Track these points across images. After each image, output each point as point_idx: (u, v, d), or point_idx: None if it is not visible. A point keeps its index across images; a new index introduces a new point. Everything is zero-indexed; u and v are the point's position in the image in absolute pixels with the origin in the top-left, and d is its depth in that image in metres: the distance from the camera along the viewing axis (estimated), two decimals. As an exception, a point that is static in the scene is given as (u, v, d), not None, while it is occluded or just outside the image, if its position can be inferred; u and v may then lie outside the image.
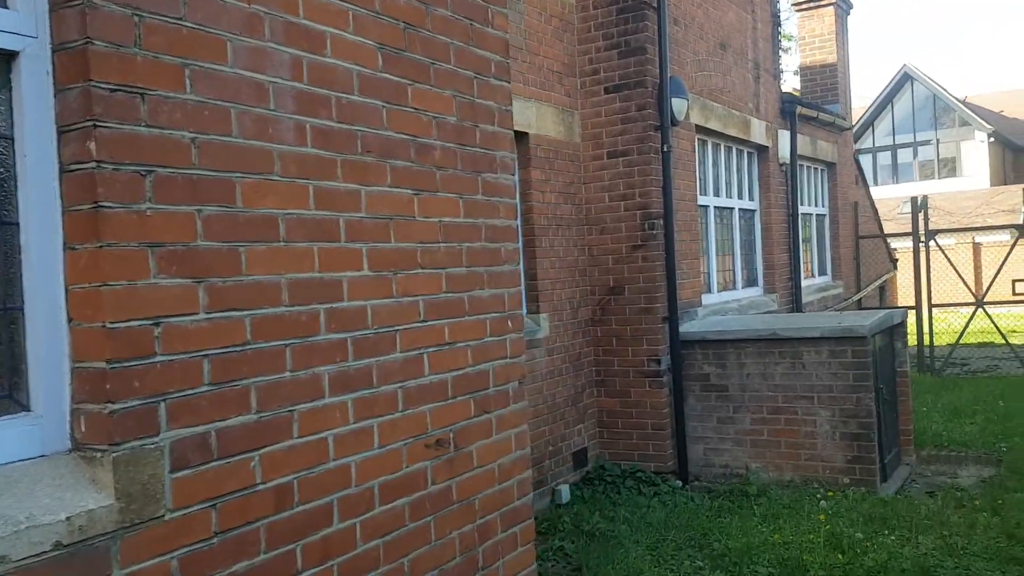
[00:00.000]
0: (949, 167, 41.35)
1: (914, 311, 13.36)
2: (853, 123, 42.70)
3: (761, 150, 9.91)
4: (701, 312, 7.99)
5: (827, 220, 12.77)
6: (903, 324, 7.91)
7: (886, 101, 42.12)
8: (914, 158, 42.23)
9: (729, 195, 9.31)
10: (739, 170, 9.58)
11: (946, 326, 15.92)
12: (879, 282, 14.42)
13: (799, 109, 10.61)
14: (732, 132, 8.88)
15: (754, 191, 9.95)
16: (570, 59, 7.31)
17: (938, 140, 41.56)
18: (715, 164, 8.97)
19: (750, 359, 7.19)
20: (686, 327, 7.47)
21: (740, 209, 9.57)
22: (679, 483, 7.08)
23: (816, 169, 12.30)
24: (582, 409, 7.29)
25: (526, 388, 6.57)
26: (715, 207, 8.92)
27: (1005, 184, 38.06)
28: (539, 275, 6.78)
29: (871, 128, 42.66)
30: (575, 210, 7.33)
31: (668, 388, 7.29)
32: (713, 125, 8.42)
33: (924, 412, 9.52)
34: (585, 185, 7.45)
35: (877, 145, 42.70)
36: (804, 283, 11.45)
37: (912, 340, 13.69)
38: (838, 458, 6.85)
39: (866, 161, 42.72)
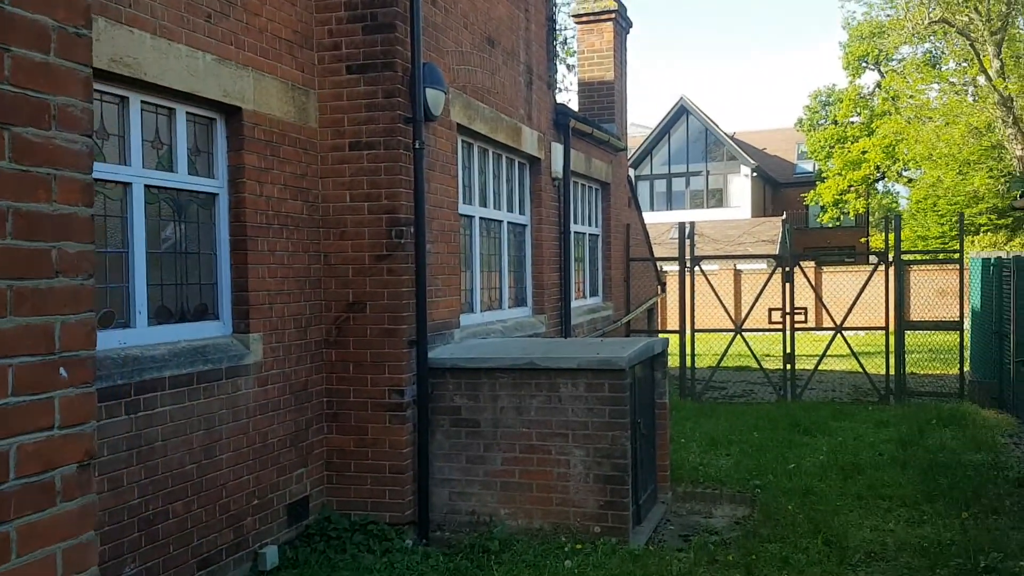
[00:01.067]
0: (717, 198, 44.16)
1: (679, 334, 13.37)
2: (633, 148, 44.44)
3: (533, 162, 9.21)
4: (459, 334, 7.06)
5: (600, 241, 12.41)
6: (664, 354, 7.42)
7: (664, 131, 44.35)
8: (686, 187, 44.72)
9: (498, 206, 8.50)
10: (510, 180, 8.81)
11: (707, 349, 16.26)
12: (647, 305, 14.36)
13: (573, 123, 10.07)
14: (501, 138, 8.07)
15: (525, 205, 9.23)
16: (305, 28, 6.12)
17: (708, 172, 44.27)
18: (482, 171, 8.12)
19: (505, 391, 6.33)
20: (437, 352, 6.50)
21: (510, 223, 8.80)
22: (410, 543, 6.03)
23: (590, 188, 11.90)
24: (306, 450, 6.08)
25: (225, 428, 5.30)
26: (481, 218, 8.06)
27: (765, 216, 41.13)
28: (251, 285, 5.52)
29: (650, 156, 44.77)
30: (308, 208, 6.14)
31: (412, 423, 6.27)
32: (479, 127, 7.55)
33: (683, 443, 9.20)
34: (322, 180, 6.28)
35: (655, 173, 44.84)
36: (575, 304, 10.93)
37: (676, 362, 13.72)
38: (591, 503, 6.13)
39: (644, 188, 44.81)
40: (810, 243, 42.45)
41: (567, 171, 9.93)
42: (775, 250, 31.08)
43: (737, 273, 29.79)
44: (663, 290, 16.45)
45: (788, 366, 12.97)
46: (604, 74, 12.69)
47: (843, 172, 39.55)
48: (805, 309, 13.03)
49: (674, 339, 13.72)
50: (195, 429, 4.97)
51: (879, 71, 39.90)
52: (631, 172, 44.05)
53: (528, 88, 8.86)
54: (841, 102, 41.37)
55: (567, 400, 6.19)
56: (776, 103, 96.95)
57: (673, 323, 15.22)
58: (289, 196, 5.92)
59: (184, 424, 4.88)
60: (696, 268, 13.26)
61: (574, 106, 12.73)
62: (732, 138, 45.00)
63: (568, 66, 20.75)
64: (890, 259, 12.87)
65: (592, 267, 12.14)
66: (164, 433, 4.73)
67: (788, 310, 12.93)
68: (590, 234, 11.98)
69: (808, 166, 47.40)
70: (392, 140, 6.13)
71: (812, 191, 42.19)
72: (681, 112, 43.69)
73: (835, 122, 42.23)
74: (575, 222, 11.17)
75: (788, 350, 12.95)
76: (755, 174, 42.70)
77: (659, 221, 42.18)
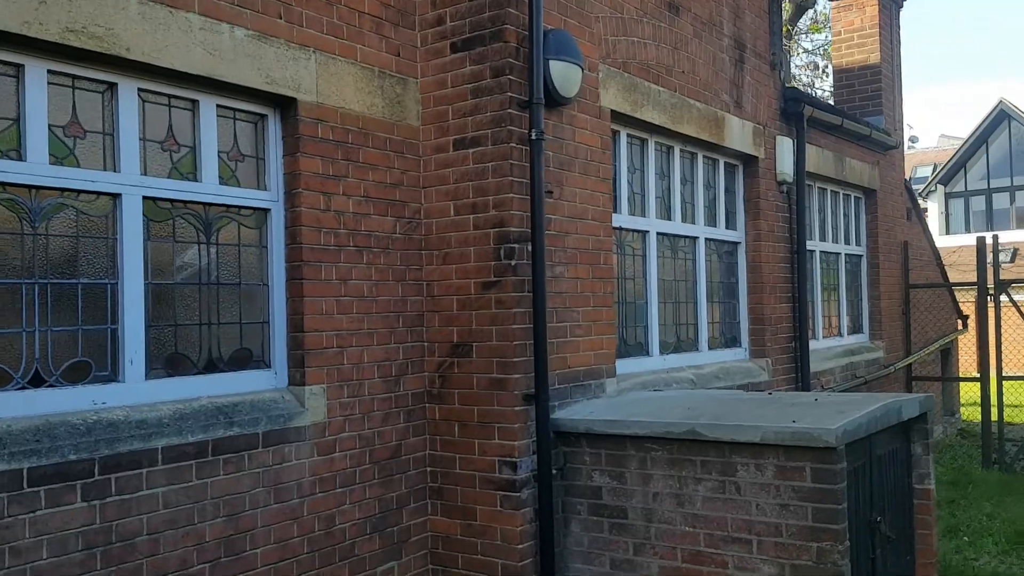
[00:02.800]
0: (1053, 215, 37.01)
1: (979, 382, 10.26)
2: (941, 163, 38.35)
3: (747, 161, 7.21)
4: (612, 386, 5.33)
5: (863, 263, 9.85)
6: (923, 418, 5.08)
7: (980, 141, 38.16)
8: (1011, 204, 38.04)
9: (690, 219, 6.64)
10: (710, 186, 6.91)
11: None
12: (938, 344, 11.29)
13: (811, 112, 7.87)
14: (690, 131, 6.25)
15: (737, 217, 7.23)
16: (400, 0, 4.88)
17: (1039, 185, 37.30)
18: (663, 174, 6.34)
19: (659, 469, 4.51)
20: (572, 411, 4.85)
21: (711, 240, 6.88)
22: None
23: (845, 196, 9.45)
24: (398, 536, 4.71)
25: (262, 512, 3.55)
26: (661, 234, 6.27)
27: (1120, 233, 33.50)
28: (309, 324, 4.30)
29: (963, 170, 38.75)
30: (404, 226, 4.84)
31: (531, 508, 4.65)
32: (651, 116, 5.82)
33: (968, 540, 6.54)
34: (425, 190, 4.96)
35: (970, 189, 38.74)
36: (822, 344, 8.60)
37: (971, 415, 10.59)
38: (785, 653, 4.07)
39: (958, 206, 38.93)
40: None
41: (801, 173, 7.74)
42: None
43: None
44: (965, 325, 13.07)
45: None
46: (867, 57, 10.20)
47: None
48: None
49: (976, 388, 10.63)
50: (207, 517, 3.79)
51: None
52: (941, 189, 38.31)
53: (737, 68, 6.92)
54: None
55: (747, 489, 4.22)
56: None
57: (974, 367, 11.88)
58: (374, 211, 4.66)
59: (188, 511, 3.72)
60: (1008, 297, 10.13)
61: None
62: (1072, 143, 37.44)
63: (826, 54, 17.86)
64: None
65: (852, 296, 9.63)
66: (152, 524, 3.59)
67: None
68: (848, 255, 9.50)
69: None
70: (500, 131, 4.65)
71: None
72: (1001, 118, 37.19)
73: None
74: (822, 239, 8.85)
75: None
76: (1105, 183, 35.03)
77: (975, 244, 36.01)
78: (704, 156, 6.77)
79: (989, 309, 10.21)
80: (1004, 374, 10.07)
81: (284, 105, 4.33)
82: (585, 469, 4.75)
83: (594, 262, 5.20)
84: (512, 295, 4.61)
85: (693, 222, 6.67)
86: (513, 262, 4.61)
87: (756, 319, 7.25)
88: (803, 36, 17.33)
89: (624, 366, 5.64)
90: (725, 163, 7.06)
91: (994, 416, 9.96)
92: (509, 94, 4.64)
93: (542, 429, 4.63)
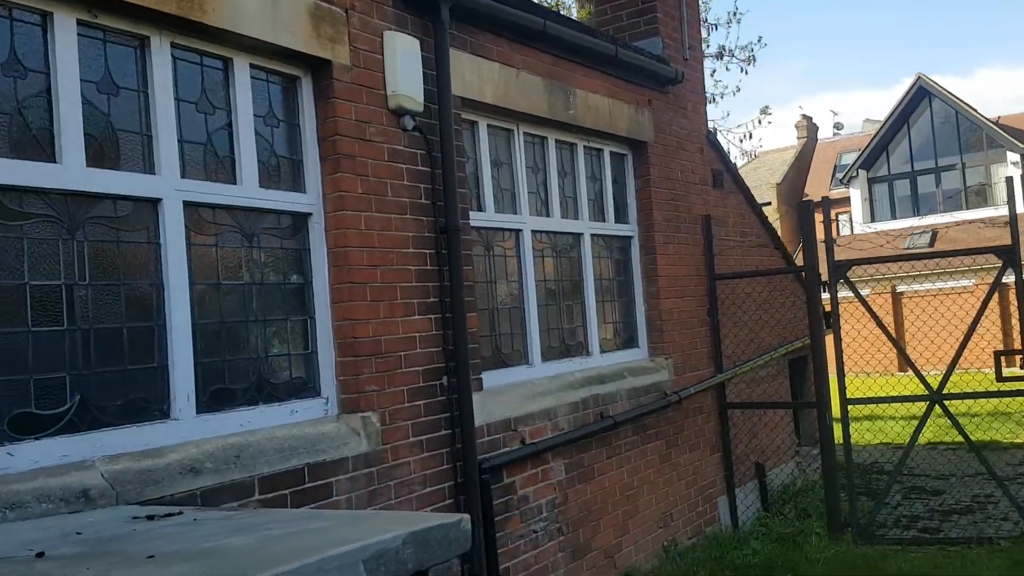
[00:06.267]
0: (980, 196, 34.92)
1: (815, 408, 7.27)
2: (861, 148, 35.91)
3: (316, 68, 4.12)
4: None
5: (634, 247, 6.81)
6: None
7: (900, 121, 35.99)
8: (937, 186, 35.94)
9: (139, 165, 3.51)
10: (213, 108, 3.79)
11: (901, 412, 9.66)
12: (771, 356, 8.28)
13: (464, -3, 4.76)
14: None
15: (304, 170, 4.13)
16: None
17: (964, 164, 35.27)
18: (21, 65, 3.18)
19: None
20: None
21: (205, 205, 3.76)
22: None
23: (592, 151, 6.38)
24: None
25: None
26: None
27: (1045, 212, 31.21)
28: None
29: (886, 153, 36.53)
30: None
31: None
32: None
33: None
34: None
35: (893, 172, 36.53)
36: (539, 371, 5.56)
37: (857, 436, 7.61)
38: None
39: (882, 191, 36.69)
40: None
41: (446, 100, 4.65)
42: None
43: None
44: (827, 325, 10.13)
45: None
46: (635, -43, 7.20)
47: None
48: (1078, 353, 6.47)
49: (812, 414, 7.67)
50: None
51: None
52: (863, 174, 35.82)
53: (252, -103, 3.79)
54: None
55: None
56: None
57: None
58: None
59: None
60: (850, 287, 7.19)
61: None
62: (996, 123, 35.27)
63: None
64: None
65: (613, 296, 6.57)
66: None
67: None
68: (603, 236, 6.45)
69: (1108, 151, 36.64)
70: None
71: (1117, 177, 31.74)
72: (921, 95, 34.92)
73: None
74: (540, 212, 5.78)
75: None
76: (1026, 162, 32.89)
77: (905, 226, 33.29)
78: (176, 45, 3.63)
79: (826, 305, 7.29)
80: (850, 395, 7.07)
81: None
82: None
83: None
84: None
85: (153, 170, 3.52)
86: None
87: (346, 347, 4.13)
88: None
89: None
90: (255, 67, 3.94)
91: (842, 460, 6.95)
92: None
93: None
